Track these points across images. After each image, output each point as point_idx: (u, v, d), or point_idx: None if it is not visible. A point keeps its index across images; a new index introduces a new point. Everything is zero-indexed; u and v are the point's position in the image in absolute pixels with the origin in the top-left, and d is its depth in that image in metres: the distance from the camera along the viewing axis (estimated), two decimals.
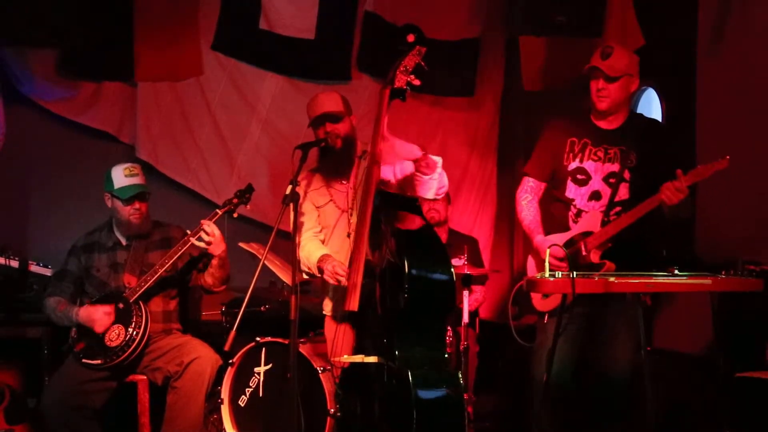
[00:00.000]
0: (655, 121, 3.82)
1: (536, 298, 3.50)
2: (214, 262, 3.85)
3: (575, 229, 3.42)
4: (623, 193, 3.41)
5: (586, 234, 3.36)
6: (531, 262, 3.62)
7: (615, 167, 3.41)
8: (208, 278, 3.92)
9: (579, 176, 3.46)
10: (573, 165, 3.48)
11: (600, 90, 3.39)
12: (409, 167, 3.37)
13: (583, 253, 3.30)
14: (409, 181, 3.38)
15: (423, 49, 3.23)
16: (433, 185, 3.32)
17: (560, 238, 3.44)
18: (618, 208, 3.39)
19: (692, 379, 3.98)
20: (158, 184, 5.21)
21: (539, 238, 3.50)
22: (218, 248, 3.77)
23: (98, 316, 3.74)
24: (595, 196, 3.43)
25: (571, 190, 3.48)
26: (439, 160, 3.31)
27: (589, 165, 3.45)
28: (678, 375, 3.98)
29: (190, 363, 3.75)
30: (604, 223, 3.35)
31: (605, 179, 3.42)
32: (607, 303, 3.37)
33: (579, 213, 3.45)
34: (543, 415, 3.45)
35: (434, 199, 3.58)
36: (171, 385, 3.79)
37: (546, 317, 3.44)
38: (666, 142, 3.55)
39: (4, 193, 5.20)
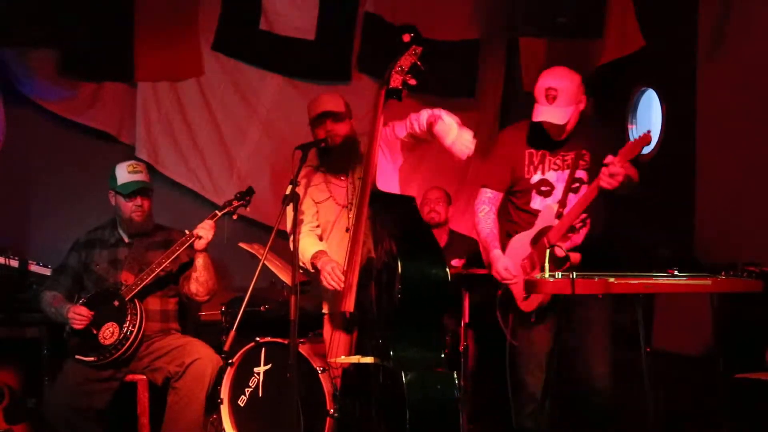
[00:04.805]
0: (597, 116, 3.83)
1: (519, 299, 3.49)
2: (198, 262, 3.86)
3: (537, 226, 3.42)
4: (576, 192, 3.42)
5: (547, 228, 3.37)
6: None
7: (574, 173, 3.42)
8: (193, 285, 3.92)
9: (543, 188, 3.47)
10: (535, 178, 3.47)
11: (550, 131, 3.40)
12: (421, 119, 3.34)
13: (547, 247, 3.30)
14: (428, 134, 3.33)
15: (419, 48, 3.20)
16: (453, 124, 3.22)
17: (524, 236, 3.45)
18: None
19: (692, 380, 3.98)
20: (158, 184, 5.20)
21: (496, 253, 3.48)
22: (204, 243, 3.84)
23: (70, 315, 3.74)
24: (561, 204, 3.43)
25: (537, 202, 3.48)
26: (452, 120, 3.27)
27: (551, 175, 3.46)
28: (677, 376, 3.98)
29: (191, 364, 3.75)
30: (559, 216, 3.35)
31: (567, 186, 3.43)
32: (575, 308, 3.36)
33: (549, 227, 3.44)
34: (531, 421, 3.46)
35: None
36: (171, 385, 3.79)
37: (533, 318, 3.42)
38: (609, 134, 3.58)
39: (4, 193, 5.19)
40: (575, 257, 3.21)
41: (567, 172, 3.43)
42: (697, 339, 4.00)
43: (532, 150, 3.49)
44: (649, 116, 5.24)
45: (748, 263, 3.44)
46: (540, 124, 3.42)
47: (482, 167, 3.69)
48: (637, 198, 3.38)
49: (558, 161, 3.45)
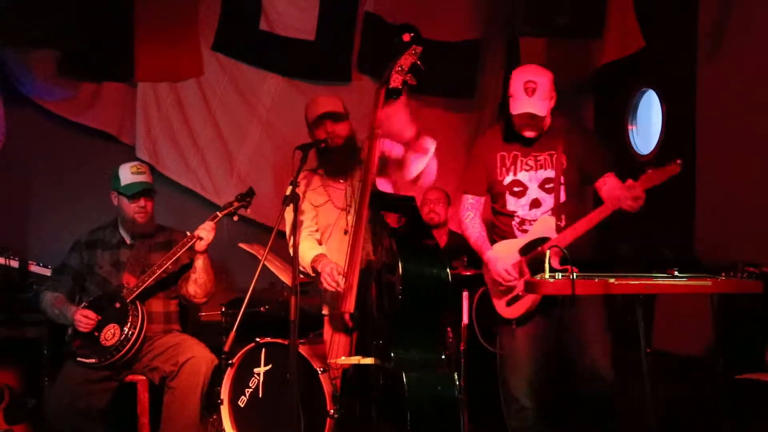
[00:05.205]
0: (574, 116, 3.85)
1: (500, 306, 3.51)
2: (198, 263, 3.87)
3: (529, 236, 3.44)
4: (561, 196, 3.45)
5: (543, 239, 3.38)
6: (487, 277, 3.61)
7: (549, 173, 3.45)
8: (191, 287, 3.92)
9: (516, 188, 3.50)
10: (508, 179, 3.51)
11: (530, 126, 3.42)
12: (399, 149, 3.37)
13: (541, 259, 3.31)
14: (394, 162, 3.36)
15: (419, 48, 3.19)
16: (419, 167, 3.28)
17: (513, 244, 3.47)
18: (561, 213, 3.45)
19: (692, 381, 3.98)
20: (158, 184, 5.18)
21: (489, 254, 3.51)
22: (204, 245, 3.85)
23: (77, 317, 3.75)
24: (535, 204, 3.47)
25: (511, 203, 3.52)
26: (432, 145, 3.29)
27: (522, 176, 3.49)
28: (678, 376, 3.98)
29: (185, 363, 3.74)
30: (559, 229, 3.37)
31: (541, 186, 3.46)
32: (568, 310, 3.37)
33: (522, 222, 3.49)
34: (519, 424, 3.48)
35: (417, 184, 3.47)
36: (167, 384, 3.79)
37: (514, 324, 3.44)
38: (588, 135, 3.63)
39: (4, 193, 5.19)
40: (574, 269, 3.23)
41: (540, 171, 3.46)
42: (698, 339, 4.00)
43: (504, 152, 3.53)
44: (649, 116, 5.24)
45: (748, 264, 3.44)
46: (512, 126, 3.46)
47: (463, 174, 3.73)
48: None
49: (530, 161, 3.49)
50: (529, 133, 3.44)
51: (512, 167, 3.51)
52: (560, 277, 2.85)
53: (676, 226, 4.72)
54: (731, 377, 3.53)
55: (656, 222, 4.68)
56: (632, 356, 3.02)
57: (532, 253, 3.38)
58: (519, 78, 3.40)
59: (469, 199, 3.64)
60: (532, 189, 3.47)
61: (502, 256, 3.47)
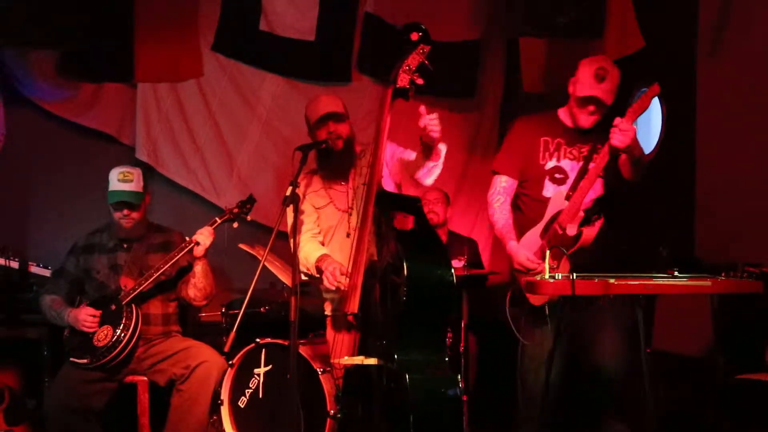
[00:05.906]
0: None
1: (530, 294, 3.48)
2: (197, 268, 3.87)
3: (547, 216, 3.40)
4: (599, 189, 3.41)
5: (556, 215, 3.34)
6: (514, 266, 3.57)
7: (599, 165, 3.39)
8: (191, 290, 3.93)
9: (557, 175, 3.44)
10: (550, 164, 3.45)
11: (592, 113, 3.37)
12: (409, 155, 3.38)
13: (560, 232, 3.28)
14: (410, 166, 3.36)
15: (427, 47, 3.18)
16: (436, 172, 3.29)
17: (533, 231, 3.43)
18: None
19: (692, 381, 3.98)
20: (158, 184, 5.22)
21: (512, 245, 3.45)
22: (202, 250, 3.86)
23: (82, 317, 3.76)
24: (572, 189, 3.40)
25: (549, 190, 3.45)
26: (443, 148, 3.30)
27: (565, 164, 3.44)
28: (678, 376, 3.98)
29: (197, 366, 3.76)
30: (568, 197, 3.33)
31: (589, 174, 3.39)
32: (586, 305, 3.36)
33: (559, 212, 3.42)
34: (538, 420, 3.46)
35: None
36: (176, 387, 3.79)
37: (547, 309, 3.39)
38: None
39: (4, 193, 5.19)
40: (589, 234, 3.19)
41: (582, 163, 3.41)
42: (698, 339, 4.01)
43: (548, 138, 3.47)
44: (649, 116, 5.24)
45: (748, 264, 3.44)
46: (555, 111, 3.42)
47: (496, 156, 3.66)
48: (638, 197, 3.38)
49: (574, 152, 3.44)
50: (586, 121, 3.38)
51: (556, 153, 3.44)
52: (560, 277, 2.85)
53: (676, 226, 4.72)
54: (731, 377, 3.53)
55: (656, 222, 4.69)
56: (632, 356, 3.03)
57: (550, 231, 3.34)
58: (590, 64, 3.36)
59: (503, 182, 3.55)
60: (573, 179, 3.40)
61: (525, 245, 3.43)
